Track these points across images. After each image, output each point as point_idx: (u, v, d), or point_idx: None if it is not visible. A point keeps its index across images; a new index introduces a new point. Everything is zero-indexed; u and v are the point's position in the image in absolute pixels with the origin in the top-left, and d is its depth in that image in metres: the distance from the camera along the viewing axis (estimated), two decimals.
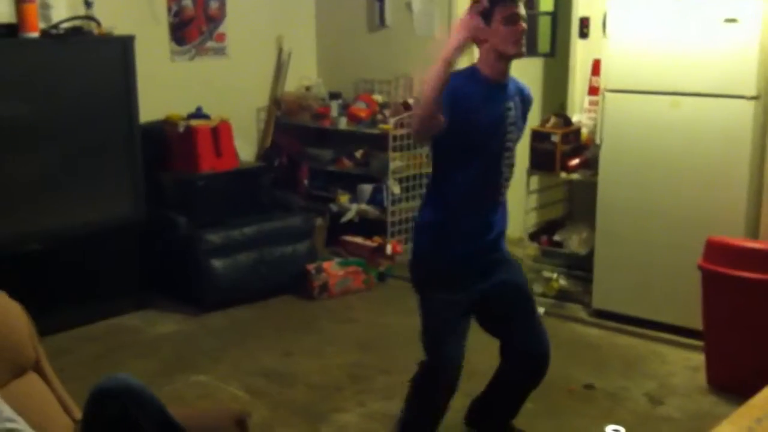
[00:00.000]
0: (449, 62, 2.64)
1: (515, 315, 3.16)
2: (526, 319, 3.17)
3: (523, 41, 2.87)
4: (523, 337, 3.17)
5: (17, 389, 2.36)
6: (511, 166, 3.04)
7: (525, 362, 3.20)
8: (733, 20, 4.08)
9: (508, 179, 3.04)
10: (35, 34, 4.45)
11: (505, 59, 2.90)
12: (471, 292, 3.01)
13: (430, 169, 3.11)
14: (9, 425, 2.14)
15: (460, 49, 2.70)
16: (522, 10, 2.87)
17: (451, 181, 2.94)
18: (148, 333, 4.66)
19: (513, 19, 2.83)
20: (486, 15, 2.82)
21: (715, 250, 3.82)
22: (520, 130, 3.09)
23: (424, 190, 4.50)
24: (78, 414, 2.44)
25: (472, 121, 2.83)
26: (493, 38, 2.85)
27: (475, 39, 2.87)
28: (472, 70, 2.94)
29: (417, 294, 3.11)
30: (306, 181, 6.10)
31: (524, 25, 2.86)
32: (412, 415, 3.17)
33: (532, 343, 3.17)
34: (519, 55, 2.90)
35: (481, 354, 3.27)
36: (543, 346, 3.18)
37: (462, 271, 3.00)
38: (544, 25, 6.16)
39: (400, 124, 5.52)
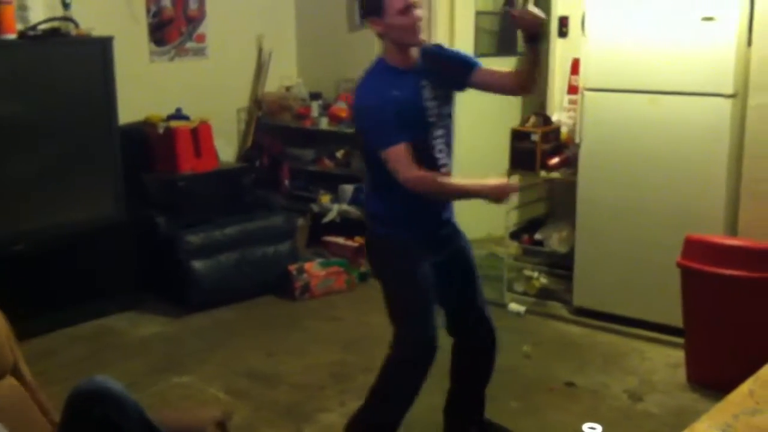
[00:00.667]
0: (475, 196, 2.87)
1: (467, 287, 3.17)
2: (475, 293, 3.19)
3: (421, 28, 2.84)
4: (473, 310, 3.20)
5: None
6: (445, 140, 2.99)
7: (476, 337, 3.23)
8: (710, 19, 4.11)
9: (447, 154, 2.99)
10: (12, 36, 4.42)
11: (407, 48, 2.89)
12: (429, 261, 3.00)
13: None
14: None
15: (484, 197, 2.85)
16: None
17: (387, 168, 2.85)
18: (132, 334, 4.64)
19: (407, 9, 2.80)
20: (377, 8, 2.81)
21: (694, 248, 3.84)
22: (465, 69, 3.02)
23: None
24: (57, 417, 2.43)
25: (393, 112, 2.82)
26: (391, 31, 2.84)
27: (377, 33, 2.89)
28: (380, 63, 2.93)
29: (379, 278, 3.10)
30: (287, 182, 6.10)
31: (420, 12, 2.83)
32: (385, 401, 3.09)
33: (481, 319, 3.21)
34: (418, 44, 2.89)
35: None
36: (490, 321, 3.23)
37: (416, 245, 2.99)
38: None
39: None
